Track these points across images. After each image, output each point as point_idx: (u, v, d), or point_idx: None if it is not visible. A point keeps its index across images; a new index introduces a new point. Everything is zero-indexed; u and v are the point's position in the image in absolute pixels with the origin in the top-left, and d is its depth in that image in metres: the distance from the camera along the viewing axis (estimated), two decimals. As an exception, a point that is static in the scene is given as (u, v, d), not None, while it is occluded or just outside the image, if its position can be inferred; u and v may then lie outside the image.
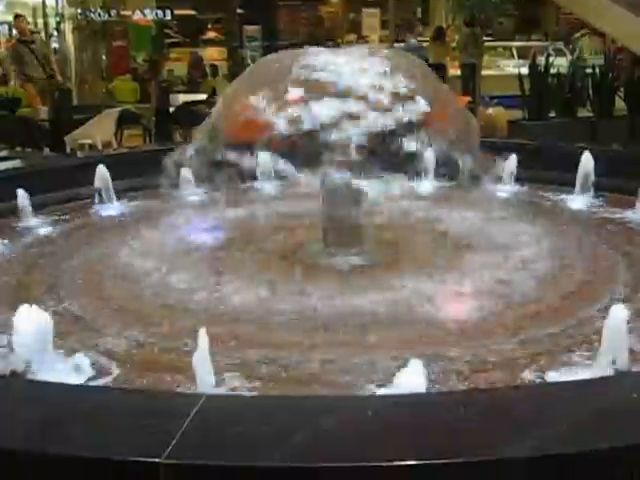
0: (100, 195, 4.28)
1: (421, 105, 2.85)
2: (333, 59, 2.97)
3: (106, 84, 14.09)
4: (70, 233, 3.89)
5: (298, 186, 3.59)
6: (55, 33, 15.37)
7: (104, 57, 15.04)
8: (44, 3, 15.33)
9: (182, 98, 10.76)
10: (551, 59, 10.17)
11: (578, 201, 4.26)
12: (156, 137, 9.82)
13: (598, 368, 2.10)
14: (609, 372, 2.04)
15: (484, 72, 12.31)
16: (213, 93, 9.98)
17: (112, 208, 4.28)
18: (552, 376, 2.16)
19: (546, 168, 4.58)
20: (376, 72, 2.91)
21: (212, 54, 16.83)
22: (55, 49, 14.20)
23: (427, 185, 4.46)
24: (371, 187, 2.90)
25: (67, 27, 14.68)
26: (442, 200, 4.22)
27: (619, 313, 2.07)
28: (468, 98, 10.66)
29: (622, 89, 9.86)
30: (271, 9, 20.41)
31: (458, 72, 13.14)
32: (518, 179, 4.50)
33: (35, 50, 10.33)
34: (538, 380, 2.16)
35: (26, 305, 2.14)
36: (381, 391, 1.96)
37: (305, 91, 2.85)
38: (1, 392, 1.78)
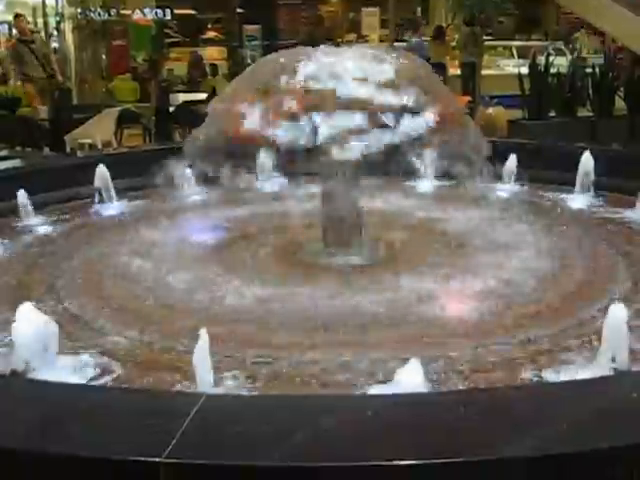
0: (100, 194, 4.28)
1: (427, 119, 2.83)
2: (334, 65, 2.93)
3: (106, 83, 14.07)
4: (70, 233, 3.89)
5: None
6: (55, 33, 15.36)
7: (104, 56, 15.02)
8: (44, 3, 15.32)
9: (182, 97, 10.76)
10: (551, 59, 10.16)
11: (578, 201, 4.26)
12: (156, 136, 9.82)
13: (598, 367, 2.10)
14: (609, 372, 2.04)
15: (484, 71, 12.31)
16: (213, 92, 9.95)
17: (112, 208, 4.28)
18: (552, 376, 2.17)
19: (546, 168, 4.58)
20: (380, 82, 2.87)
21: (212, 53, 16.82)
22: (55, 49, 14.18)
23: (427, 184, 4.47)
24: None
25: (67, 26, 14.66)
26: (442, 199, 4.22)
27: (619, 312, 2.07)
28: (468, 98, 10.65)
29: (622, 89, 9.85)
30: (271, 8, 20.39)
31: (458, 71, 13.13)
32: (518, 179, 4.50)
33: (35, 50, 10.32)
34: (536, 379, 2.16)
35: (27, 303, 2.14)
36: (379, 390, 1.96)
37: (305, 103, 2.81)
38: (1, 391, 1.79)
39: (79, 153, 7.30)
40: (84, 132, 8.61)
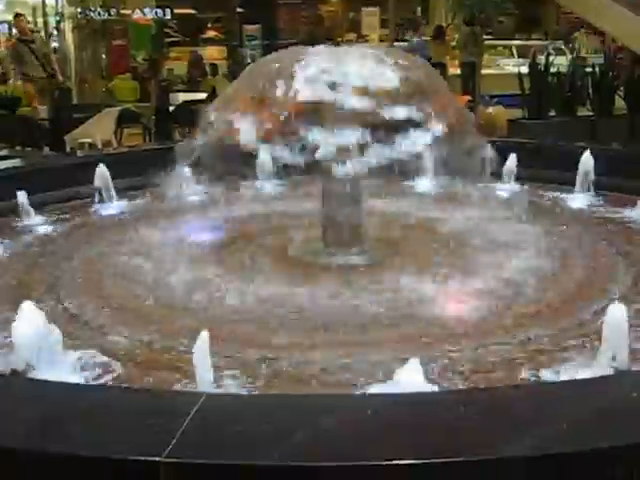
0: (100, 194, 4.28)
1: (434, 131, 2.79)
2: (334, 72, 2.88)
3: (106, 83, 14.05)
4: (70, 232, 3.89)
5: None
6: (55, 32, 15.35)
7: (104, 56, 15.01)
8: (44, 2, 15.31)
9: (182, 97, 10.75)
10: (551, 58, 10.16)
11: (578, 200, 4.26)
12: (156, 136, 9.81)
13: (598, 367, 2.10)
14: (609, 371, 2.04)
15: (484, 71, 12.30)
16: (213, 92, 9.95)
17: (112, 207, 4.28)
18: (551, 375, 2.17)
19: (546, 167, 4.58)
20: (383, 91, 2.83)
21: (212, 53, 16.81)
22: (55, 48, 14.17)
23: (426, 183, 4.46)
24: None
25: (67, 26, 14.65)
26: (442, 199, 4.22)
27: (618, 312, 2.07)
28: (468, 97, 10.65)
29: (622, 88, 9.85)
30: (271, 8, 20.37)
31: (458, 71, 13.12)
32: (518, 178, 4.50)
33: (35, 49, 10.31)
34: (534, 379, 2.16)
35: (28, 302, 2.14)
36: (380, 389, 1.96)
37: (303, 117, 2.78)
38: (1, 391, 1.79)
39: (79, 153, 7.30)
40: (84, 132, 8.60)
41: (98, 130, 8.59)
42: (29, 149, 8.21)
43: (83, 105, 11.62)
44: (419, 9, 21.17)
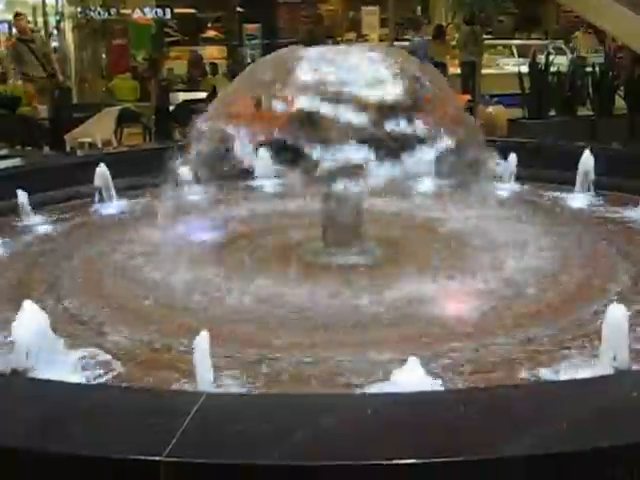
0: (100, 194, 4.28)
1: (440, 146, 2.76)
2: (335, 83, 2.84)
3: (106, 83, 14.04)
4: (70, 232, 3.89)
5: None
6: (55, 32, 15.34)
7: (104, 56, 15.00)
8: (44, 2, 15.30)
9: (182, 96, 10.75)
10: (551, 57, 10.16)
11: (578, 200, 4.26)
12: (156, 136, 9.82)
13: (598, 366, 2.10)
14: (609, 371, 2.04)
15: (484, 70, 12.28)
16: (213, 91, 9.95)
17: (112, 207, 4.28)
18: (551, 375, 2.17)
19: (546, 167, 4.58)
20: (386, 103, 2.77)
21: (212, 52, 16.81)
22: (55, 48, 14.16)
23: (427, 184, 4.46)
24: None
25: (67, 26, 14.64)
26: (442, 199, 4.21)
27: (618, 312, 2.07)
28: (468, 96, 10.64)
29: (622, 88, 9.85)
30: (271, 7, 20.37)
31: (458, 70, 13.10)
32: (518, 178, 4.50)
33: (35, 49, 10.30)
34: (534, 378, 2.16)
35: (28, 301, 2.14)
36: (380, 388, 1.96)
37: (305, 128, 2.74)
38: (2, 390, 1.79)
39: (79, 152, 7.31)
40: (84, 131, 8.60)
41: (98, 130, 8.59)
42: (29, 149, 8.22)
43: (83, 105, 11.61)
44: (419, 8, 21.16)
